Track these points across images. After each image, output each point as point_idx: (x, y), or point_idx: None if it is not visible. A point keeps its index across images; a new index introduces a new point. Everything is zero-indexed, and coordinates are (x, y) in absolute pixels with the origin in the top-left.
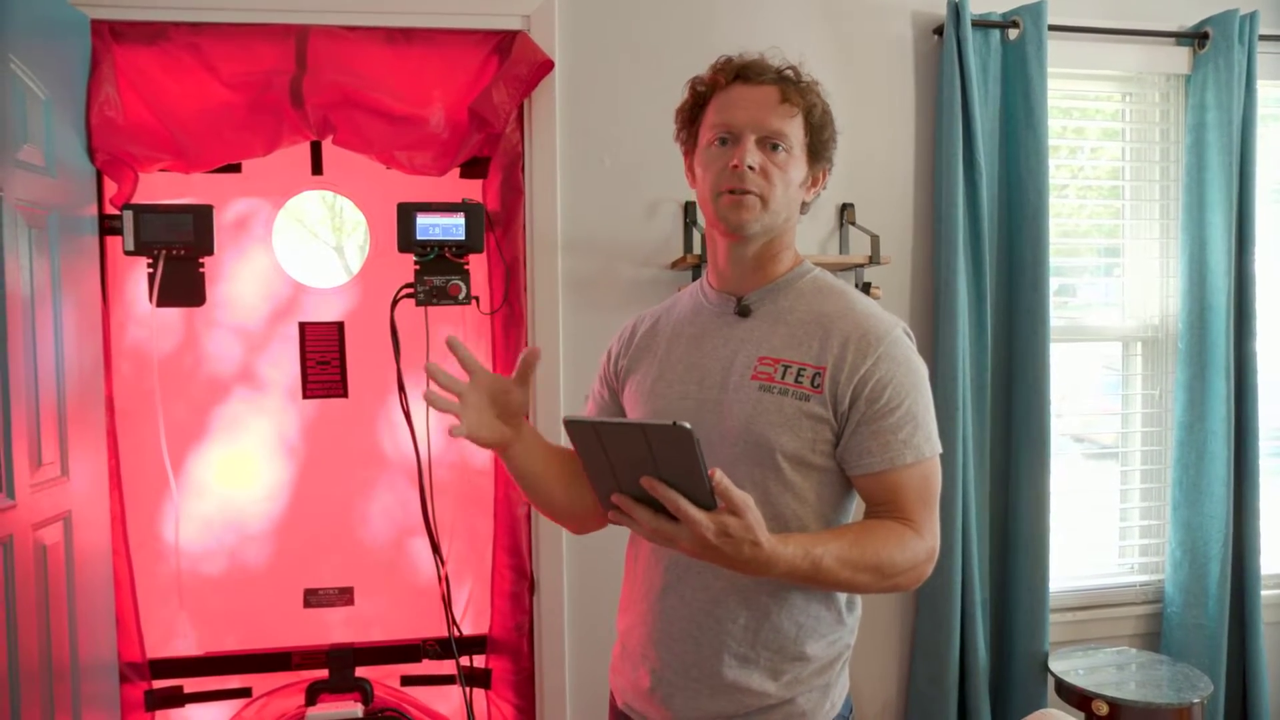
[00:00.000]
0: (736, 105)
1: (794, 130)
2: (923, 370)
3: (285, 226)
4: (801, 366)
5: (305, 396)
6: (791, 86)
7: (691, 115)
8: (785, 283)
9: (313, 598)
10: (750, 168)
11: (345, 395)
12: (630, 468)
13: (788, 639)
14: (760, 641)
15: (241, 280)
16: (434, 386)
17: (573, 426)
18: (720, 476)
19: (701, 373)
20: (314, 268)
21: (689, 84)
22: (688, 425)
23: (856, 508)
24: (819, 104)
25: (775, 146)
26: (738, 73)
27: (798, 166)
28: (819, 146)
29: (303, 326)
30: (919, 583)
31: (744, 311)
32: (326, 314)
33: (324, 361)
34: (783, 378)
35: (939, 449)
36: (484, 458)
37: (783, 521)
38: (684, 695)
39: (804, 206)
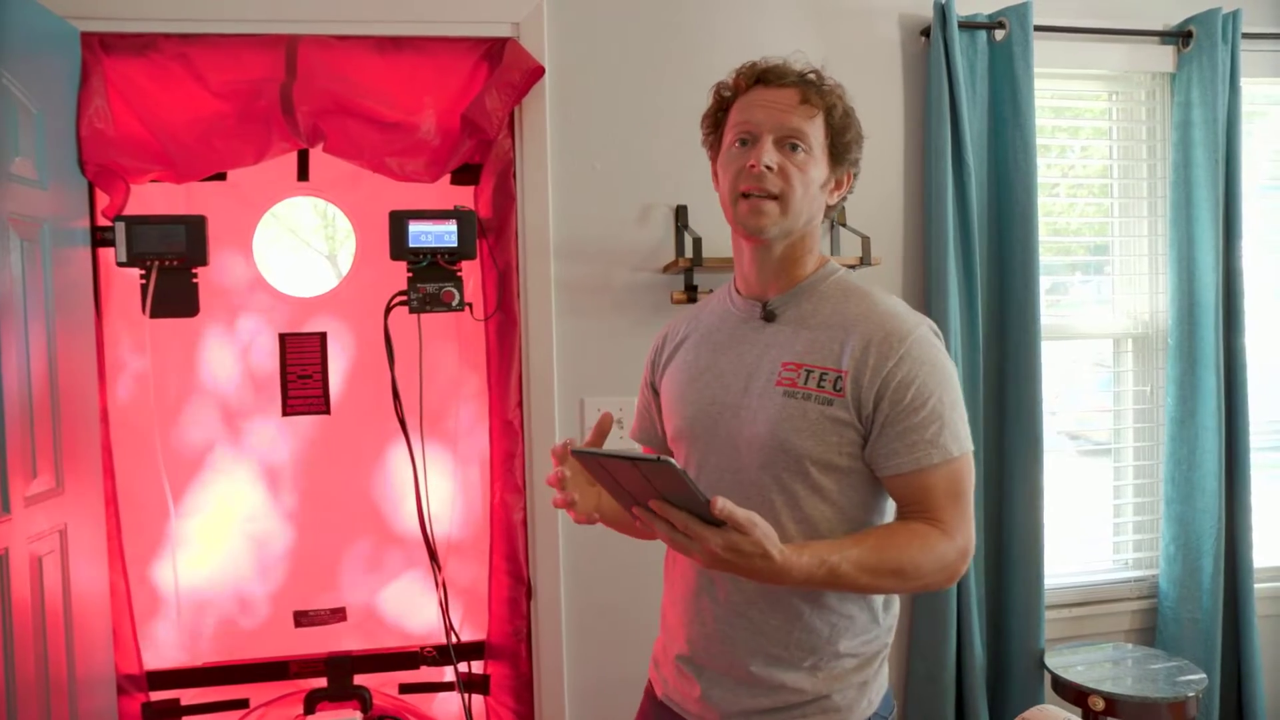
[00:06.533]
0: (756, 106)
1: (814, 130)
2: (949, 368)
3: (267, 234)
4: (824, 371)
5: (285, 414)
6: (812, 88)
7: (716, 120)
8: (809, 285)
9: (304, 619)
10: (768, 167)
11: (327, 411)
12: (639, 490)
13: (821, 639)
14: (793, 642)
15: (235, 291)
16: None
17: (580, 456)
18: (722, 504)
19: (728, 379)
20: (296, 276)
21: (714, 89)
22: (671, 460)
23: (891, 505)
24: (840, 105)
25: (794, 146)
26: (759, 76)
27: (818, 167)
28: (841, 148)
29: (283, 338)
30: (952, 581)
31: (769, 316)
32: (316, 324)
33: (305, 375)
34: (805, 383)
35: (968, 448)
36: (481, 465)
37: (811, 524)
38: (720, 690)
39: (828, 210)
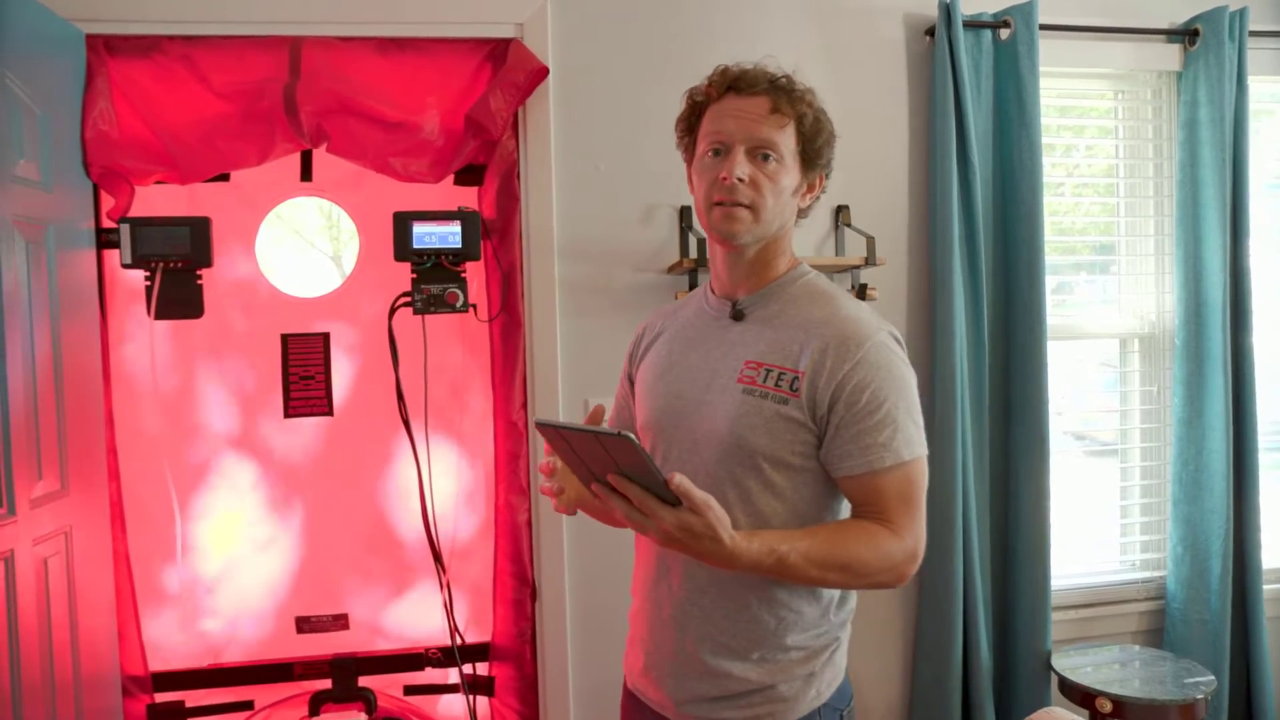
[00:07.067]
0: (728, 116)
1: (785, 139)
2: (906, 374)
3: (270, 234)
4: (782, 371)
5: (286, 415)
6: (783, 95)
7: (689, 125)
8: (778, 287)
9: (305, 625)
10: (740, 179)
11: (330, 413)
12: (599, 464)
13: (767, 631)
14: (740, 632)
15: (239, 292)
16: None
17: (542, 428)
18: (680, 480)
19: (695, 374)
20: (299, 276)
21: (686, 94)
22: (630, 435)
23: (843, 505)
24: (810, 112)
25: (766, 156)
26: (730, 84)
27: (790, 175)
28: (812, 154)
29: (285, 339)
30: (900, 582)
31: (738, 315)
32: (319, 325)
33: (308, 376)
34: (764, 381)
35: (921, 452)
36: (486, 466)
37: (762, 519)
38: (673, 677)
39: (801, 212)
